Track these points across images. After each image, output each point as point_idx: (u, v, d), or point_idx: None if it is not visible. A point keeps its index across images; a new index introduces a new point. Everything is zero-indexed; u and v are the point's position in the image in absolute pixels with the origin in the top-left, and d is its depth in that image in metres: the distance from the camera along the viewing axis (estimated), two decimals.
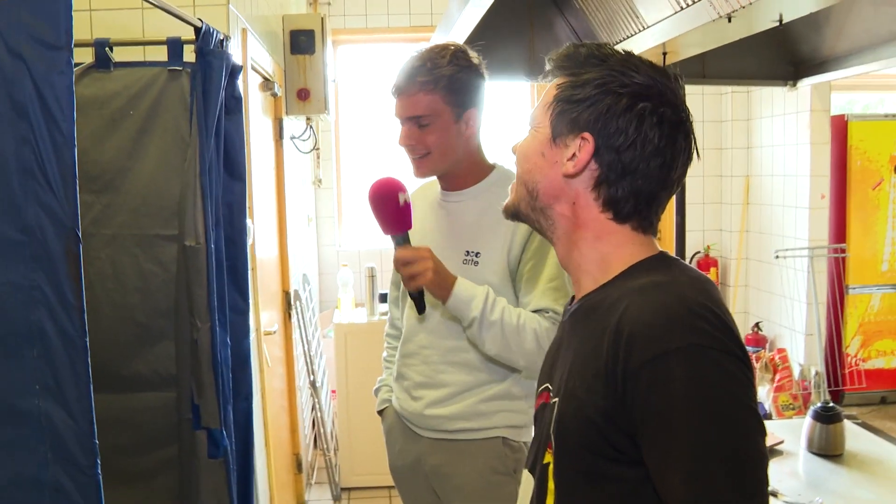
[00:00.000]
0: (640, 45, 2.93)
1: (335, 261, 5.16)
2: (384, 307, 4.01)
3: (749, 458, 0.86)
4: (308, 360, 3.79)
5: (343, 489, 3.91)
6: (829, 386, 4.98)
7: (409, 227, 1.68)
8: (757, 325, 5.55)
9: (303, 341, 3.73)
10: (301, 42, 3.53)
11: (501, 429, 1.81)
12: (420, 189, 2.02)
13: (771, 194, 5.44)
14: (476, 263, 1.75)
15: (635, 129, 0.99)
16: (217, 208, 1.88)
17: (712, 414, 0.86)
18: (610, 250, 1.04)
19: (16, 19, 1.16)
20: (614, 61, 1.02)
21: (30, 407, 1.26)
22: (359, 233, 5.29)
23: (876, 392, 5.13)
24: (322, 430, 3.91)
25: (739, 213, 5.70)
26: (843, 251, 4.99)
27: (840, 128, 5.00)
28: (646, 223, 1.05)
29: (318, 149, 4.81)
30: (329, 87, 3.80)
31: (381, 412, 2.05)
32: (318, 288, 5.05)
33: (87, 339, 1.24)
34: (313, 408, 3.99)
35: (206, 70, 1.78)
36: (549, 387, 1.08)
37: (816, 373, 4.98)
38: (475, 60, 1.78)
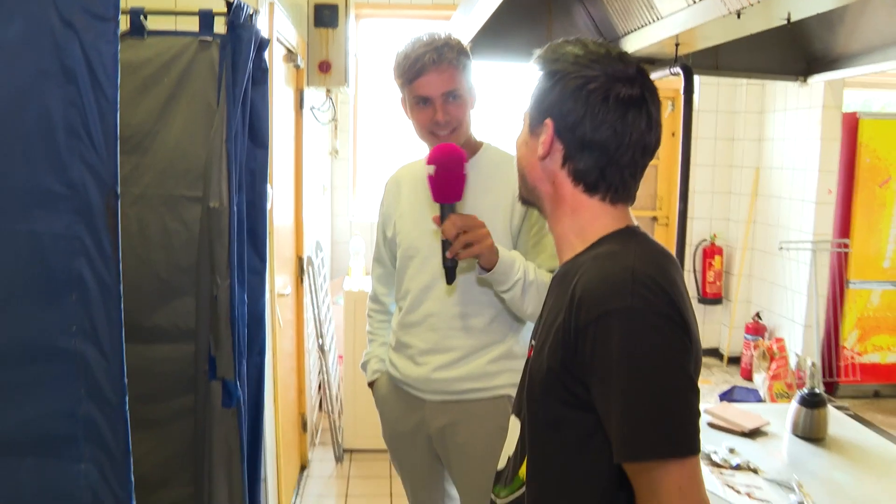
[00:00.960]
0: (653, 35, 3.00)
1: (347, 230, 5.28)
2: None
3: (675, 410, 0.99)
4: (318, 325, 3.92)
5: (345, 450, 4.05)
6: (825, 377, 5.08)
7: (461, 197, 1.73)
8: (758, 314, 5.65)
9: (313, 306, 3.85)
10: (325, 15, 3.63)
11: (507, 387, 1.93)
12: (406, 168, 2.12)
13: (779, 186, 5.51)
14: None
15: (583, 107, 1.12)
16: (240, 173, 1.99)
17: (642, 369, 0.99)
18: (586, 223, 1.17)
19: None
20: (570, 53, 1.16)
21: (67, 346, 1.38)
22: (372, 204, 5.41)
23: (870, 385, 5.23)
24: (328, 393, 4.05)
25: (747, 203, 5.77)
26: (846, 246, 5.06)
27: (851, 125, 5.05)
28: (615, 193, 1.17)
29: (336, 120, 4.91)
30: (350, 60, 3.89)
31: (371, 384, 2.15)
32: (330, 256, 5.18)
33: (122, 288, 1.36)
34: (320, 371, 4.12)
35: (235, 43, 1.88)
36: (534, 342, 1.21)
37: (812, 363, 5.07)
38: (466, 47, 1.90)
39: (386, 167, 5.45)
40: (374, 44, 5.40)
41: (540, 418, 1.12)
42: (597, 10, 3.49)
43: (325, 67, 3.68)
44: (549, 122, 1.15)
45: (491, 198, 1.90)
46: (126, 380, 1.40)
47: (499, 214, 1.86)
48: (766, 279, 5.70)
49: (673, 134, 6.15)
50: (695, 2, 2.54)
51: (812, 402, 2.70)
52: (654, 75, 3.49)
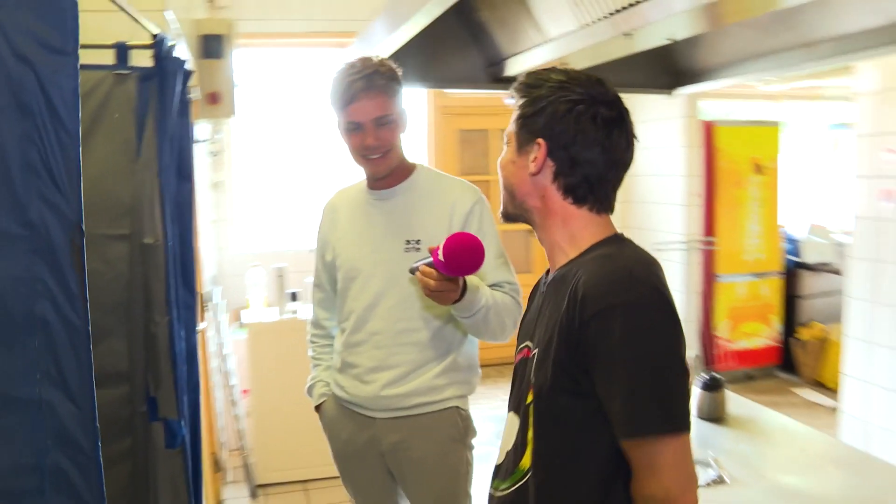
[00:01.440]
0: (541, 56, 3.15)
1: (240, 262, 5.16)
2: (294, 305, 4.10)
3: (672, 392, 1.12)
4: (222, 360, 3.82)
5: (259, 486, 3.96)
6: (705, 366, 5.46)
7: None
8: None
9: (217, 340, 3.75)
10: (211, 46, 3.57)
11: (454, 399, 1.99)
12: (342, 193, 2.16)
13: (650, 192, 5.89)
14: (418, 250, 1.93)
15: (575, 128, 1.23)
16: (171, 207, 1.95)
17: (643, 356, 1.11)
18: (576, 231, 1.27)
19: (23, 24, 1.21)
20: (554, 80, 1.26)
21: (30, 395, 1.31)
22: (260, 235, 5.33)
23: (742, 370, 5.68)
24: (237, 428, 3.94)
25: (620, 210, 6.12)
26: (712, 243, 5.49)
27: (708, 133, 5.50)
28: (600, 204, 1.29)
29: (220, 152, 4.81)
30: (235, 90, 3.85)
31: (318, 407, 2.16)
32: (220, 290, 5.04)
33: (90, 328, 1.31)
34: (226, 407, 4.01)
35: (162, 75, 1.85)
36: (530, 344, 1.29)
37: (695, 356, 5.46)
38: (397, 70, 1.96)
39: (277, 196, 5.40)
40: (258, 72, 5.34)
41: (545, 409, 1.20)
42: (483, 35, 3.62)
43: (214, 99, 3.62)
44: (541, 141, 1.24)
45: (431, 214, 1.97)
46: (97, 423, 1.35)
47: (440, 228, 1.92)
48: None
49: None
50: (586, 24, 2.69)
51: (712, 387, 2.95)
52: None
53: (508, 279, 1.96)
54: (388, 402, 1.97)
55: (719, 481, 2.32)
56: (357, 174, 2.11)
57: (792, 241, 5.96)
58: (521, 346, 1.34)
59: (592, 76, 1.28)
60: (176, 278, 1.97)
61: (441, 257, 1.57)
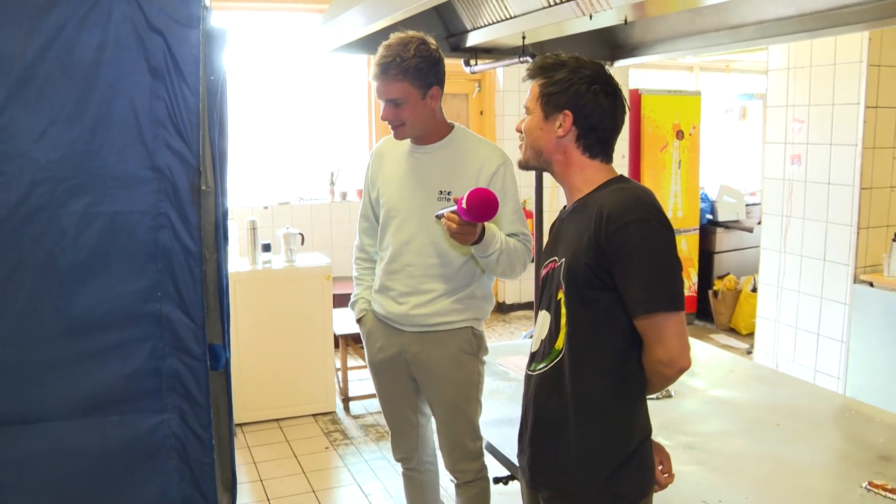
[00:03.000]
0: (503, 30, 3.46)
1: None
2: (266, 256, 4.35)
3: (674, 280, 1.53)
4: None
5: (237, 424, 4.22)
6: None
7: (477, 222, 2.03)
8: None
9: None
10: None
11: (470, 320, 2.38)
12: (388, 141, 2.50)
13: None
14: (448, 199, 2.26)
15: (594, 101, 1.62)
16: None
17: (654, 254, 1.51)
18: (589, 175, 1.66)
19: (158, 2, 1.48)
20: (570, 64, 1.63)
21: (153, 310, 1.59)
22: (232, 190, 5.50)
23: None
24: None
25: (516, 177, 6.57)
26: None
27: (635, 100, 5.98)
28: (606, 156, 1.68)
29: None
30: None
31: (359, 320, 2.53)
32: None
33: (201, 250, 1.60)
34: None
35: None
36: (556, 258, 1.66)
37: None
38: (433, 47, 2.28)
39: (249, 153, 5.57)
40: (234, 34, 5.47)
41: (576, 299, 1.58)
42: (446, 6, 3.91)
43: None
44: (567, 112, 1.61)
45: (462, 171, 2.31)
46: (205, 332, 1.64)
47: (468, 183, 2.26)
48: None
49: (481, 112, 6.82)
50: (551, 4, 3.01)
51: None
52: (500, 63, 4.03)
53: (522, 230, 2.34)
54: (416, 319, 2.35)
55: (666, 395, 2.79)
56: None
57: (707, 200, 6.55)
58: (547, 261, 1.72)
59: (593, 61, 1.66)
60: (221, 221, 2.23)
61: (464, 205, 1.93)
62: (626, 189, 1.58)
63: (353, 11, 3.46)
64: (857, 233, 3.91)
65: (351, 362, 4.90)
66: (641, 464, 1.62)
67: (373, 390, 4.72)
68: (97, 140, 1.50)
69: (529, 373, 1.74)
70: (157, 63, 1.50)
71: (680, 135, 6.10)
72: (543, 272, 1.74)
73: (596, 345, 1.58)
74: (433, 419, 2.52)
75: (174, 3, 1.49)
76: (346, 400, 4.62)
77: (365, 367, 4.97)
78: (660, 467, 1.69)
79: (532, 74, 1.67)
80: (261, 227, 4.44)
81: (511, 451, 2.41)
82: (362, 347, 4.99)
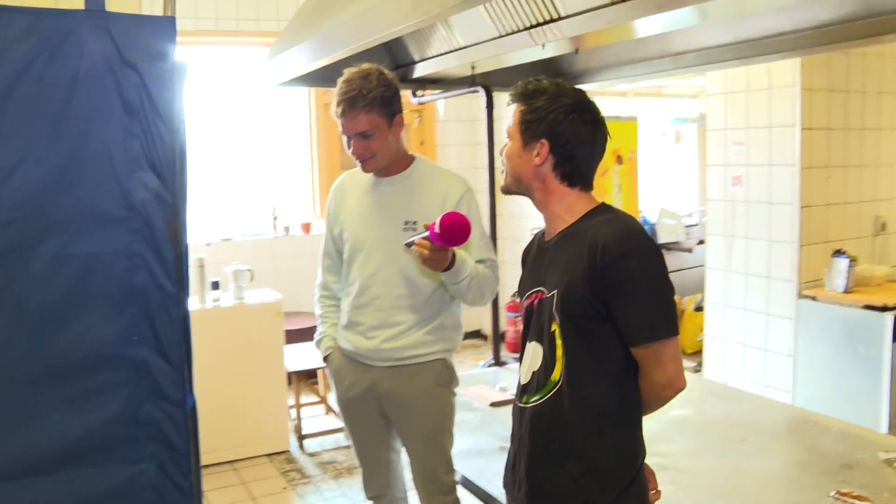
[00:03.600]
0: (452, 61, 3.49)
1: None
2: (215, 294, 4.24)
3: (670, 307, 1.55)
4: None
5: None
6: None
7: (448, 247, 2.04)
8: (514, 293, 6.52)
9: None
10: None
11: (442, 352, 2.37)
12: (348, 176, 2.48)
13: None
14: (414, 229, 2.25)
15: (571, 130, 1.63)
16: None
17: (651, 282, 1.53)
18: (570, 204, 1.67)
19: (131, 35, 1.43)
20: (550, 92, 1.64)
21: (129, 354, 1.52)
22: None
23: None
24: None
25: (499, 199, 6.62)
26: None
27: None
28: (587, 185, 1.69)
29: None
30: None
31: (326, 358, 2.48)
32: None
33: (187, 293, 1.54)
34: None
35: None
36: (542, 289, 1.66)
37: None
38: (391, 76, 2.28)
39: (196, 190, 5.44)
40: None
41: (572, 331, 1.58)
42: (392, 39, 3.91)
43: None
44: (544, 141, 1.62)
45: (426, 200, 2.30)
46: (184, 376, 1.57)
47: (434, 212, 2.25)
48: (517, 263, 6.59)
49: (422, 142, 6.85)
50: (502, 34, 3.05)
51: None
52: (450, 93, 4.06)
53: (490, 257, 2.34)
54: (387, 353, 2.32)
55: None
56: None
57: (647, 223, 6.70)
58: (531, 291, 1.71)
59: (574, 88, 1.68)
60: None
61: (437, 230, 1.92)
62: (615, 219, 1.59)
63: (301, 47, 3.44)
64: (800, 249, 4.06)
65: (304, 399, 4.80)
66: (642, 485, 1.64)
67: (328, 426, 4.69)
68: (69, 178, 1.44)
69: (521, 405, 1.72)
70: (132, 98, 1.45)
71: (619, 159, 6.24)
72: (527, 302, 1.73)
73: (595, 373, 1.59)
74: (404, 454, 2.48)
75: (148, 36, 1.45)
76: (301, 438, 4.51)
77: (319, 402, 4.89)
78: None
79: (514, 100, 1.68)
80: (210, 263, 4.33)
81: (486, 483, 2.40)
82: (315, 383, 4.91)
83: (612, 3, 2.32)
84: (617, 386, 1.59)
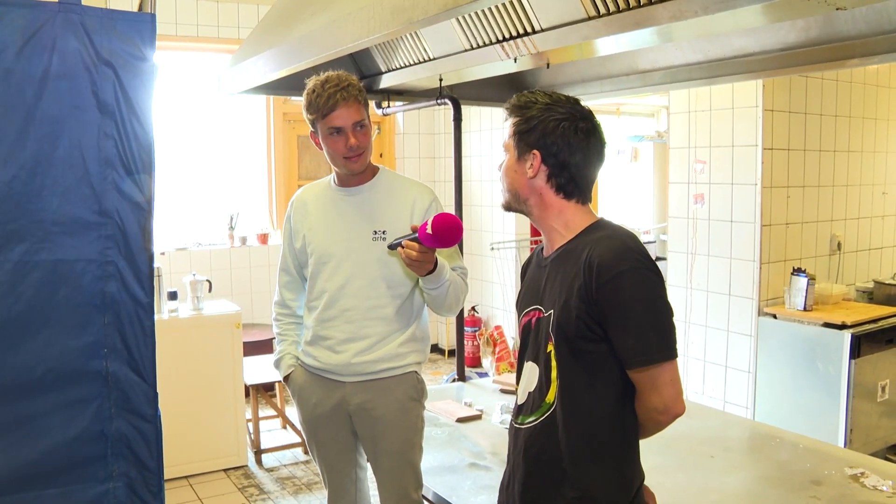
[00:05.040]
0: (419, 73, 3.45)
1: None
2: (172, 304, 4.11)
3: (668, 329, 1.50)
4: None
5: None
6: None
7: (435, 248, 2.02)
8: (473, 308, 6.49)
9: None
10: None
11: (413, 364, 2.31)
12: (309, 189, 2.41)
13: (483, 197, 6.42)
14: (384, 239, 2.21)
15: (562, 140, 1.59)
16: None
17: (648, 304, 1.48)
18: (568, 219, 1.62)
19: (108, 32, 1.35)
20: (542, 102, 1.61)
21: (98, 368, 1.44)
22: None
23: None
24: None
25: (453, 213, 6.60)
26: (540, 242, 6.08)
27: None
28: (584, 197, 1.65)
29: None
30: None
31: (287, 377, 2.38)
32: None
33: (153, 302, 1.46)
34: None
35: None
36: (540, 307, 1.62)
37: None
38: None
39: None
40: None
41: (568, 352, 1.53)
42: (360, 50, 3.86)
43: None
44: (536, 153, 1.58)
45: (394, 209, 2.25)
46: (157, 391, 1.49)
47: (402, 221, 2.21)
48: (477, 277, 6.58)
49: (381, 154, 6.80)
50: (473, 47, 3.02)
51: None
52: (417, 105, 4.02)
53: (462, 265, 2.31)
54: (359, 367, 2.24)
55: None
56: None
57: None
58: (529, 309, 1.67)
59: (570, 97, 1.65)
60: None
61: (429, 230, 1.88)
62: (613, 236, 1.55)
63: (266, 55, 3.37)
64: (760, 267, 4.11)
65: (261, 412, 4.68)
66: None
67: (286, 441, 4.57)
68: (37, 181, 1.35)
69: (517, 425, 1.68)
70: (107, 98, 1.38)
71: None
72: (524, 320, 1.69)
73: (590, 396, 1.54)
74: (370, 470, 2.41)
75: (127, 33, 1.37)
76: (259, 452, 4.40)
77: (276, 416, 4.77)
78: None
79: (508, 114, 1.64)
80: (168, 273, 4.20)
81: (459, 500, 2.35)
82: (273, 396, 4.80)
83: (589, 18, 2.32)
84: (613, 410, 1.54)
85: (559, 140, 1.57)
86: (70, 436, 1.43)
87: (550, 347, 1.57)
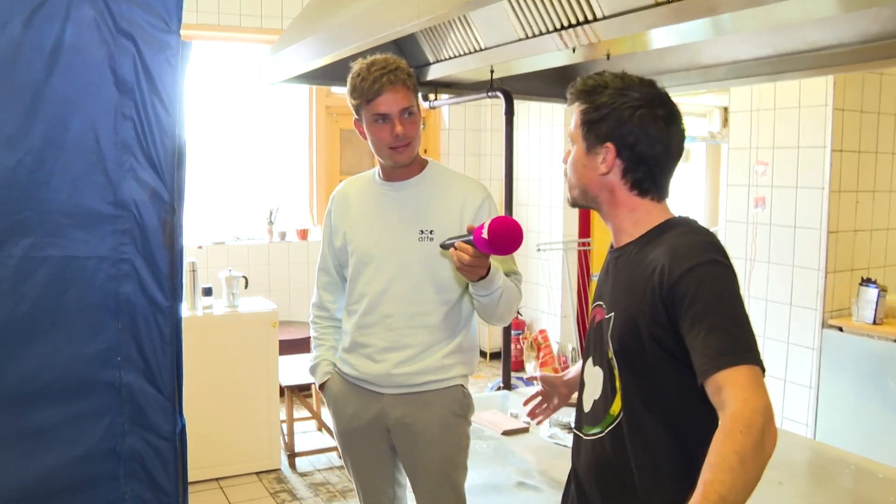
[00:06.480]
0: (469, 63, 3.28)
1: None
2: (207, 301, 3.99)
3: (749, 328, 1.26)
4: None
5: None
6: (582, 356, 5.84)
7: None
8: (518, 310, 6.29)
9: None
10: None
11: (459, 378, 2.11)
12: (351, 183, 2.22)
13: (528, 195, 6.21)
14: (431, 239, 2.02)
15: (640, 129, 1.39)
16: None
17: (724, 295, 1.26)
18: (640, 217, 1.44)
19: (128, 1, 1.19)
20: (613, 86, 1.41)
21: (110, 378, 1.28)
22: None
23: None
24: None
25: (500, 212, 6.41)
26: (588, 244, 5.88)
27: None
28: (660, 194, 1.45)
29: None
30: None
31: (322, 385, 2.21)
32: None
33: (180, 308, 1.30)
34: None
35: None
36: (603, 305, 1.45)
37: (573, 348, 5.83)
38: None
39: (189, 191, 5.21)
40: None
41: (631, 359, 1.35)
42: (407, 39, 3.70)
43: None
44: (610, 145, 1.39)
45: (444, 207, 2.06)
46: (180, 405, 1.33)
47: (452, 221, 2.03)
48: (527, 280, 6.37)
49: (425, 151, 6.63)
50: (528, 36, 2.83)
51: None
52: (466, 97, 3.83)
53: (516, 270, 2.10)
54: (399, 379, 2.06)
55: None
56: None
57: None
58: (596, 304, 1.50)
59: (643, 79, 1.45)
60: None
61: (485, 235, 1.68)
62: (690, 233, 1.36)
63: (306, 42, 3.22)
64: (826, 277, 3.85)
65: (296, 414, 4.54)
66: None
67: (321, 445, 4.43)
68: (46, 167, 1.20)
69: (581, 435, 1.50)
70: (126, 74, 1.22)
71: None
72: (592, 314, 1.53)
73: (652, 413, 1.35)
74: (409, 487, 2.23)
75: (149, 1, 1.21)
76: (292, 456, 4.26)
77: (312, 418, 4.63)
78: None
79: (573, 99, 1.45)
80: (203, 267, 4.09)
81: None
82: (308, 397, 4.66)
83: (657, 5, 2.12)
84: (685, 421, 1.35)
85: (636, 130, 1.38)
86: (78, 453, 1.28)
87: (611, 354, 1.40)
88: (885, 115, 4.02)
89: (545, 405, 1.97)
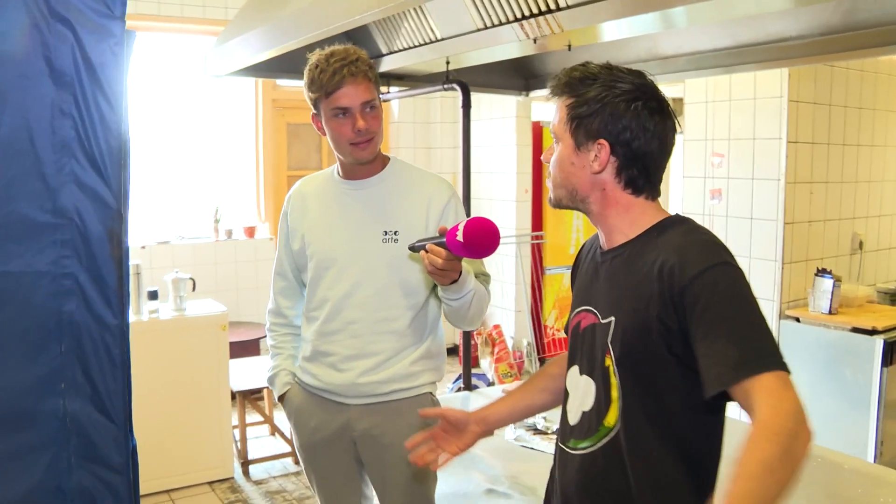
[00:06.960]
0: (424, 55, 3.18)
1: None
2: (153, 304, 3.80)
3: (769, 332, 1.18)
4: None
5: None
6: (536, 352, 5.80)
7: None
8: None
9: None
10: None
11: (427, 385, 2.01)
12: (308, 182, 2.09)
13: (480, 189, 6.13)
14: (396, 241, 1.91)
15: (635, 124, 1.30)
16: None
17: (741, 299, 1.19)
18: (636, 217, 1.35)
19: None
20: (603, 77, 1.32)
21: (53, 408, 1.14)
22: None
23: None
24: None
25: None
26: (541, 238, 5.83)
27: (538, 132, 5.84)
28: (653, 192, 1.37)
29: None
30: None
31: (282, 397, 2.08)
32: None
33: (128, 325, 1.16)
34: None
35: None
36: (594, 311, 1.35)
37: (528, 343, 5.78)
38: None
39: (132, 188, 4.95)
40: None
41: (635, 367, 1.26)
42: (359, 30, 3.57)
43: None
44: (603, 142, 1.29)
45: (408, 206, 1.95)
46: (132, 434, 1.20)
47: (418, 220, 1.92)
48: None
49: None
50: (487, 26, 2.72)
51: None
52: (421, 90, 3.72)
53: (485, 271, 2.01)
54: (366, 388, 1.94)
55: None
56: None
57: None
58: (580, 309, 1.40)
59: (632, 69, 1.35)
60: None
61: (460, 237, 1.58)
62: (694, 233, 1.28)
63: (254, 33, 3.07)
64: (782, 268, 3.86)
65: (248, 419, 4.38)
66: None
67: (275, 451, 4.28)
68: None
69: (568, 450, 1.40)
70: (63, 65, 1.07)
71: None
72: (574, 320, 1.42)
73: (661, 420, 1.26)
74: (375, 500, 2.12)
75: None
76: (246, 463, 4.10)
77: (264, 422, 4.48)
78: None
79: (558, 92, 1.34)
80: (148, 268, 3.89)
81: None
82: (260, 400, 4.50)
83: None
84: (693, 434, 1.26)
85: (633, 125, 1.28)
86: (18, 493, 1.13)
87: (609, 362, 1.30)
88: (836, 106, 4.06)
89: (438, 450, 1.64)
